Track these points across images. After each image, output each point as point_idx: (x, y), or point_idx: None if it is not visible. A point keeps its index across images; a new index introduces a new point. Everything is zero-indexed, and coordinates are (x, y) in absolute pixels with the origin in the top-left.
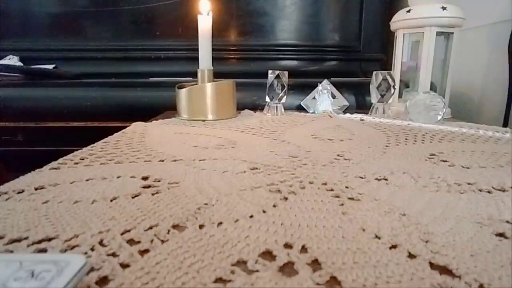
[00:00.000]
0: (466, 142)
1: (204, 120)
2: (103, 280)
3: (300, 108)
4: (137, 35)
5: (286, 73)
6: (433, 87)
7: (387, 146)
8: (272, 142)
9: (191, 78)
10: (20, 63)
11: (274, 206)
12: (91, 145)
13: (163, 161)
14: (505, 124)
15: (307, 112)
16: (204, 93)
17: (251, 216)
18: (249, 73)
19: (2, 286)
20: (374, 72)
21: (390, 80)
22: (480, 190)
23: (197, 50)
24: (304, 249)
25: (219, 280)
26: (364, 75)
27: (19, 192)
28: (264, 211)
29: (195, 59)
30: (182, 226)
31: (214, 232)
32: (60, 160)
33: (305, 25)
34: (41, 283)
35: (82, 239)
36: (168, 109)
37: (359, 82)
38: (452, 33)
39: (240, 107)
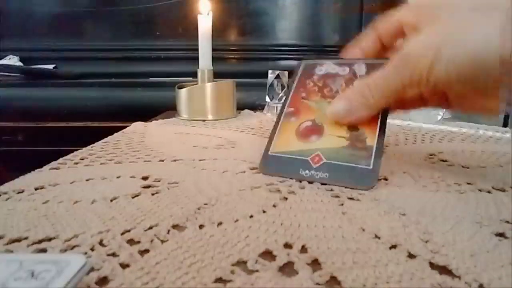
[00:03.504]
0: (466, 142)
1: (204, 120)
2: (103, 280)
3: None
4: (137, 35)
5: (286, 73)
6: None
7: (387, 146)
8: None
9: (191, 78)
10: (20, 63)
11: (274, 206)
12: (91, 145)
13: (163, 161)
14: (505, 124)
15: None
16: (204, 93)
17: (251, 216)
18: (249, 73)
19: (2, 286)
20: None
21: None
22: (480, 190)
23: (197, 50)
24: (304, 249)
25: (219, 280)
26: None
27: (19, 192)
28: (264, 211)
29: (195, 59)
30: (182, 226)
31: (214, 232)
32: (60, 160)
33: (305, 25)
34: (41, 283)
35: (82, 239)
36: (168, 109)
37: None
38: None
39: (240, 107)
